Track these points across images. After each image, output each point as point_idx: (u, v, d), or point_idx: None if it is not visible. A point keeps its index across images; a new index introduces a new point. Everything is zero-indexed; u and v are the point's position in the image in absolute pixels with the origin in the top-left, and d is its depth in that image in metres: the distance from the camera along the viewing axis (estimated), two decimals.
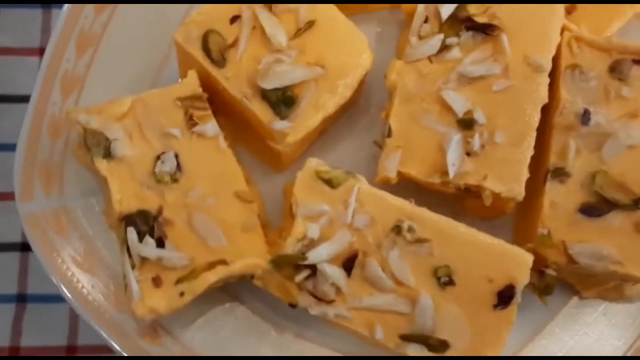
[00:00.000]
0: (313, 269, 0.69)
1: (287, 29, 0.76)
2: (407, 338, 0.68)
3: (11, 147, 0.77)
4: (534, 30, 0.73)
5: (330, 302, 0.69)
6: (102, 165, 0.71)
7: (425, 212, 0.71)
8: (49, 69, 0.78)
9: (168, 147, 0.72)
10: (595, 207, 0.71)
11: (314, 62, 0.75)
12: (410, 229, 0.70)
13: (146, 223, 0.70)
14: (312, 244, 0.69)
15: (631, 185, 0.71)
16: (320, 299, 0.69)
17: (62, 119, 0.78)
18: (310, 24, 0.76)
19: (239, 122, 0.79)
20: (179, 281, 0.69)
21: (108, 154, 0.71)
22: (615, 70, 0.73)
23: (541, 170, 0.74)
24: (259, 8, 0.75)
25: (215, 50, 0.75)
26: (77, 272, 0.75)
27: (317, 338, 0.77)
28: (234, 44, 0.75)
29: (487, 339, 0.68)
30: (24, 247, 0.85)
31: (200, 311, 0.76)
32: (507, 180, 0.71)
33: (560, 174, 0.72)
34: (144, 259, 0.69)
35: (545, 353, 0.76)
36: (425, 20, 0.75)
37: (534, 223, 0.73)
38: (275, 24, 0.75)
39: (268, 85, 0.73)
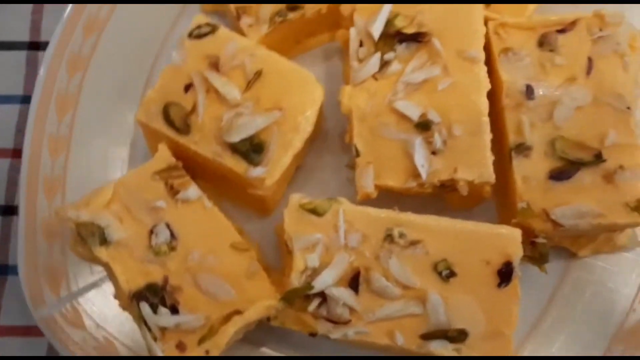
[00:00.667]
0: (322, 296, 0.72)
1: (238, 84, 0.80)
2: (427, 337, 0.71)
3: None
4: (460, 28, 0.78)
5: (346, 322, 0.72)
6: (101, 253, 0.73)
7: (410, 216, 0.74)
8: (30, 177, 0.81)
9: (158, 219, 0.76)
10: (564, 171, 0.76)
11: (271, 107, 0.79)
12: (401, 235, 0.73)
13: (156, 295, 0.72)
14: (315, 272, 0.72)
15: (589, 142, 0.76)
16: (336, 322, 0.72)
17: (53, 220, 0.81)
18: (258, 74, 0.80)
19: (217, 179, 0.83)
20: (201, 341, 0.71)
21: (104, 241, 0.74)
22: (544, 43, 0.79)
23: (505, 151, 0.78)
24: (207, 72, 0.80)
25: (177, 120, 0.79)
26: None
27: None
28: (193, 109, 0.79)
29: (500, 317, 0.71)
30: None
31: None
32: (476, 167, 0.75)
33: (523, 149, 0.77)
34: (163, 329, 0.71)
35: (565, 316, 0.79)
36: (361, 44, 0.80)
37: (513, 200, 0.77)
38: (226, 83, 0.80)
39: (234, 138, 0.77)
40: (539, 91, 0.77)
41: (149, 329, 0.71)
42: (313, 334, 0.72)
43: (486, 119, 0.76)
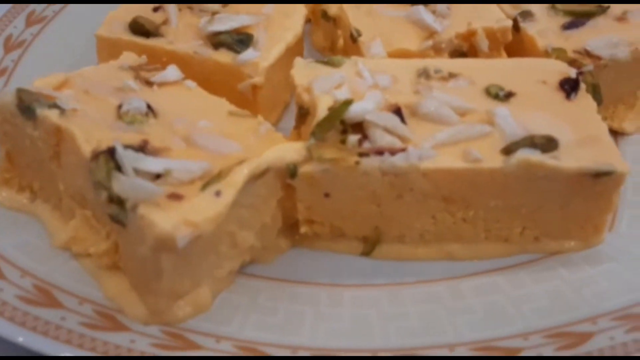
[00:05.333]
0: (361, 132, 0.50)
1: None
2: (509, 149, 0.50)
3: None
4: None
5: (402, 149, 0.49)
6: (52, 113, 0.49)
7: (439, 60, 0.59)
8: None
9: (128, 99, 0.54)
10: (575, 21, 0.66)
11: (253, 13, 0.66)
12: (437, 70, 0.56)
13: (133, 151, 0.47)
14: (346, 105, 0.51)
15: None
16: (389, 151, 0.49)
17: None
18: None
19: None
20: (206, 185, 0.44)
21: (56, 107, 0.50)
22: None
23: None
24: None
25: (148, 25, 0.64)
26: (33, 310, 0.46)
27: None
28: (165, 22, 0.65)
29: (587, 124, 0.53)
30: None
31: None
32: (490, 16, 0.64)
33: (525, 15, 0.67)
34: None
35: None
36: None
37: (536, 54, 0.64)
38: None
39: (219, 27, 0.62)
40: None
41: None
42: (364, 155, 0.48)
43: None
